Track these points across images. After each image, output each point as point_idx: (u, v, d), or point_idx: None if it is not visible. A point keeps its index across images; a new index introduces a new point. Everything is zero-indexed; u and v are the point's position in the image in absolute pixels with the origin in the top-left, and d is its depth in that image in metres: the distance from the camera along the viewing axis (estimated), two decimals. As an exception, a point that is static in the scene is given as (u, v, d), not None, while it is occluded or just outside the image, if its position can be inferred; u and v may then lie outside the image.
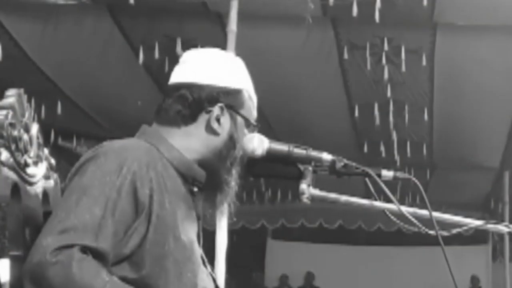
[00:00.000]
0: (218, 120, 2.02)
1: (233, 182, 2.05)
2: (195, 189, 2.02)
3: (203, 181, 2.03)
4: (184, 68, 2.07)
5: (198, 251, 1.99)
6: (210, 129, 2.02)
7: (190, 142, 2.02)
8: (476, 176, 10.80)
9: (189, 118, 2.02)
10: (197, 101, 2.02)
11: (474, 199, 12.13)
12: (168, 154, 1.99)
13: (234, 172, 2.06)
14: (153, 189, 1.88)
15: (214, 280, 2.04)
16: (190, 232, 1.96)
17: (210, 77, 2.04)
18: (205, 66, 2.06)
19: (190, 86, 2.03)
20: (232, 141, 2.03)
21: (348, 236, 14.28)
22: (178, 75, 2.07)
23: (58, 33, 6.77)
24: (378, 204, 2.01)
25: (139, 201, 1.86)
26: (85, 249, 1.77)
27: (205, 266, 2.03)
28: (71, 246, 1.76)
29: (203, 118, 2.02)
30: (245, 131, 2.07)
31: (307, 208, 12.22)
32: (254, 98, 2.11)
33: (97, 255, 1.79)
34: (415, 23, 6.56)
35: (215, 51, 2.12)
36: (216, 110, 2.01)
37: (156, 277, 1.85)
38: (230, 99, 2.04)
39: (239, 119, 2.05)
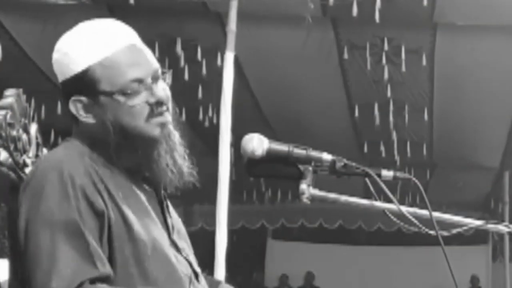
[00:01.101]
0: (86, 109, 1.89)
1: (155, 157, 1.91)
2: (147, 174, 1.95)
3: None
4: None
5: (165, 242, 1.91)
6: (84, 124, 1.90)
7: (91, 137, 1.91)
8: (476, 176, 10.80)
9: (74, 117, 1.92)
10: (64, 101, 1.93)
11: (474, 199, 12.13)
12: (102, 153, 1.90)
13: (143, 149, 1.90)
14: (103, 196, 1.82)
15: (191, 265, 1.97)
16: (149, 226, 1.89)
17: (60, 73, 1.93)
18: (56, 64, 1.94)
19: (61, 89, 1.95)
20: (105, 124, 1.87)
21: (348, 236, 14.28)
22: None
23: (58, 33, 6.73)
24: (378, 204, 2.00)
25: (98, 212, 1.80)
26: (93, 281, 1.74)
27: (180, 252, 1.96)
28: (81, 284, 1.72)
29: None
30: (123, 102, 1.87)
31: (307, 208, 12.22)
32: (118, 60, 1.89)
33: (105, 279, 1.77)
34: (415, 23, 6.56)
35: (63, 38, 1.97)
36: (73, 106, 1.90)
37: (124, 284, 1.80)
38: (79, 86, 1.88)
39: (102, 98, 1.87)
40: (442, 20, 6.39)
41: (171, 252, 1.92)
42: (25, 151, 2.01)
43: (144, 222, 1.88)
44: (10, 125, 1.93)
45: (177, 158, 1.95)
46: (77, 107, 1.90)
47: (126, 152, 1.89)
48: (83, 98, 1.89)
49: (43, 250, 1.74)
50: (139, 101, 1.88)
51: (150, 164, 1.91)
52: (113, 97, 1.87)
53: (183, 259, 1.96)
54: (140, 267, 1.83)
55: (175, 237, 1.98)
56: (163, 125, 1.92)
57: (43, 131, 2.15)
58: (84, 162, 1.85)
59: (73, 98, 1.90)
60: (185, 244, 2.02)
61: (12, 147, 1.93)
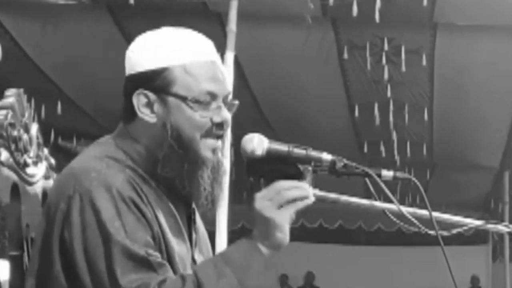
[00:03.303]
0: (151, 107, 1.84)
1: (202, 175, 1.86)
2: (184, 190, 1.89)
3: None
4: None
5: (189, 259, 1.90)
6: (142, 121, 1.86)
7: (142, 139, 1.88)
8: (476, 176, 10.81)
9: (129, 114, 1.88)
10: (126, 95, 1.88)
11: (474, 199, 12.14)
12: (142, 162, 1.86)
13: (191, 162, 1.85)
14: (148, 209, 1.80)
15: None
16: (180, 242, 1.88)
17: (133, 65, 1.88)
18: (132, 55, 1.89)
19: (125, 81, 1.90)
20: (165, 127, 1.83)
21: (348, 236, 14.28)
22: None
23: (58, 33, 6.78)
24: (378, 204, 2.00)
25: (150, 223, 1.79)
26: (160, 284, 1.72)
27: None
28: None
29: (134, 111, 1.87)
30: (191, 110, 1.84)
31: (307, 208, 12.20)
32: (199, 70, 1.86)
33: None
34: (415, 23, 6.56)
35: (147, 34, 1.92)
36: (136, 99, 1.85)
37: None
38: (152, 82, 1.84)
39: (171, 99, 1.84)
40: (442, 20, 6.40)
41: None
42: (26, 151, 2.01)
43: (176, 238, 1.86)
44: (11, 125, 1.93)
45: (215, 188, 1.91)
46: (140, 101, 1.85)
47: (173, 162, 1.84)
48: (151, 94, 1.84)
49: (102, 262, 1.72)
50: (206, 115, 1.85)
51: (190, 182, 1.86)
52: (185, 101, 1.83)
53: None
54: None
55: (196, 254, 1.96)
56: (215, 150, 1.89)
57: (43, 131, 2.16)
58: (125, 173, 1.81)
59: (139, 91, 1.85)
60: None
61: (13, 147, 1.93)
